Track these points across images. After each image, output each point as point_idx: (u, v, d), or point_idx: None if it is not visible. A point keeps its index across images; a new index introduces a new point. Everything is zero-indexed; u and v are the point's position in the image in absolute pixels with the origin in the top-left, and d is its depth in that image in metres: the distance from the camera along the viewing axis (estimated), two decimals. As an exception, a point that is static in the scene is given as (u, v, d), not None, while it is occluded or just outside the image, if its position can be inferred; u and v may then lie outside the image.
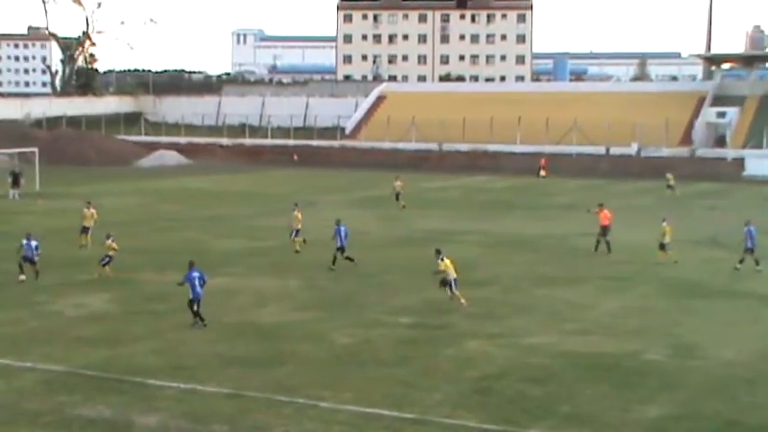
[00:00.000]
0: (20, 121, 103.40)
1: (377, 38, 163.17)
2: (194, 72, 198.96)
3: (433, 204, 60.57)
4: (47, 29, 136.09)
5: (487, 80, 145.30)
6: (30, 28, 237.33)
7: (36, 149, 67.24)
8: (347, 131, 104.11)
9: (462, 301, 29.76)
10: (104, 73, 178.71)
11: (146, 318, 28.07)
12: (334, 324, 27.56)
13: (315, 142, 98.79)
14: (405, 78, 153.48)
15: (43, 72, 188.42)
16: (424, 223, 50.56)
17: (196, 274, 26.93)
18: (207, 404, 20.38)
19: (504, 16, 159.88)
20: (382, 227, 49.34)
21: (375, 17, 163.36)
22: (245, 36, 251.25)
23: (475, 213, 55.50)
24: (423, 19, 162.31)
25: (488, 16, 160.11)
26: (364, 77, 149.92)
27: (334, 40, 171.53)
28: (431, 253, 30.95)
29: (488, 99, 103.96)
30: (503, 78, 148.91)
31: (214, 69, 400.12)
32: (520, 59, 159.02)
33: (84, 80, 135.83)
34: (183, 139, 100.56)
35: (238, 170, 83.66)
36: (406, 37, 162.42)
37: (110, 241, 34.04)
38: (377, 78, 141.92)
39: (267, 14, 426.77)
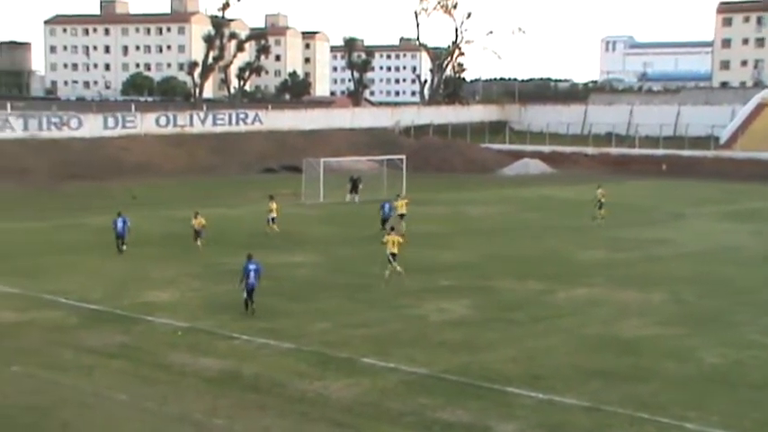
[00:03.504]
0: (390, 128, 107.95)
1: (759, 42, 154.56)
2: (560, 80, 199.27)
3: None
4: (418, 40, 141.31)
5: None
6: (401, 39, 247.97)
7: (404, 156, 69.74)
8: (722, 141, 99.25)
9: (387, 273, 33.79)
10: (471, 82, 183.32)
11: (504, 325, 27.98)
12: (701, 342, 26.05)
13: (685, 152, 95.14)
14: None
15: (413, 82, 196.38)
16: (806, 239, 47.00)
17: (252, 267, 28.62)
18: (565, 416, 19.89)
19: None
20: (758, 241, 46.35)
21: (759, 19, 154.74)
22: (614, 43, 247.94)
23: None
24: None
25: None
26: (743, 84, 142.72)
27: (710, 45, 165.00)
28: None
29: None
30: None
31: (580, 77, 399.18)
32: None
33: (451, 89, 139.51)
34: (546, 148, 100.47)
35: (603, 180, 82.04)
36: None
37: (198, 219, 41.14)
38: (757, 84, 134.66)
39: (638, 20, 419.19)
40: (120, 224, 40.14)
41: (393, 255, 34.24)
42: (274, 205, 45.92)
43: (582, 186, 76.27)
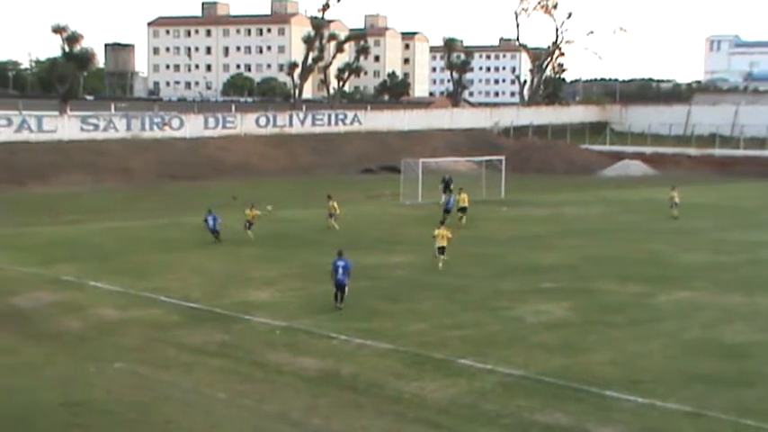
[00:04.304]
0: (489, 129, 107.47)
1: None
2: (663, 81, 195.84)
3: None
4: (517, 40, 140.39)
5: None
6: (501, 39, 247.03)
7: (503, 157, 69.20)
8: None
9: (440, 264, 36.04)
10: (571, 82, 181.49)
11: (604, 328, 27.57)
12: (809, 348, 25.30)
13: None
14: None
15: (512, 82, 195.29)
16: None
17: (341, 263, 28.90)
18: (666, 421, 19.54)
19: None
20: None
21: None
22: (719, 42, 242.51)
23: None
24: None
25: None
26: None
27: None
28: None
29: None
30: None
31: (684, 77, 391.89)
32: None
33: (551, 90, 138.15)
34: (648, 149, 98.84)
35: (706, 181, 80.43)
36: None
37: (252, 210, 43.92)
38: None
39: (744, 19, 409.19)
40: (210, 221, 42.82)
41: (442, 248, 36.41)
42: (333, 204, 47.71)
43: (683, 188, 74.73)
